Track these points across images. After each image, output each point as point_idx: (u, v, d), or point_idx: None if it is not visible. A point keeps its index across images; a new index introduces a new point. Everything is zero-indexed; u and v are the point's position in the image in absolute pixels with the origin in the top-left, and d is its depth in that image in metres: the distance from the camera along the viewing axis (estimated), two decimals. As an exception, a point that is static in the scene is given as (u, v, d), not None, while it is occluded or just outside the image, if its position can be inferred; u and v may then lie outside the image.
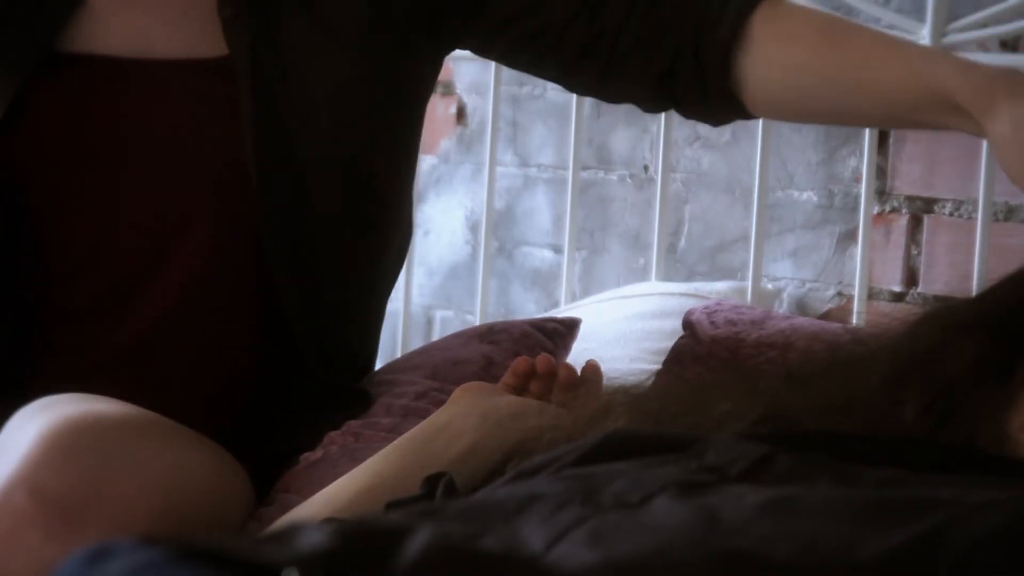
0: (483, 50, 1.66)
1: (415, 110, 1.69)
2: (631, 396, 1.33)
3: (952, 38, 1.89)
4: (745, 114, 1.52)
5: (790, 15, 1.46)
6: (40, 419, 1.40)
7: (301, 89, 1.59)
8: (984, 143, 1.85)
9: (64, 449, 1.36)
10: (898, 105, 1.39)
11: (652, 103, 1.57)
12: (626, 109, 2.44)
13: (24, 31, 1.58)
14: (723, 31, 1.46)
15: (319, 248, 1.62)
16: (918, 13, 1.95)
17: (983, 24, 1.88)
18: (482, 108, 2.50)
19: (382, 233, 1.69)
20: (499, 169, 2.35)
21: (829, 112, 1.48)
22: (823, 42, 1.42)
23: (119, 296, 1.61)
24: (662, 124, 2.14)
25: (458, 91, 2.60)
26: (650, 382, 1.37)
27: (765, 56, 1.44)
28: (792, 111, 1.50)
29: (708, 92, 1.50)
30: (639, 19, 1.52)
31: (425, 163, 2.66)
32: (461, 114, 2.63)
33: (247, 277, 1.61)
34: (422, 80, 1.68)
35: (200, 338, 1.62)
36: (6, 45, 1.58)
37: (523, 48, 1.60)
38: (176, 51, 1.60)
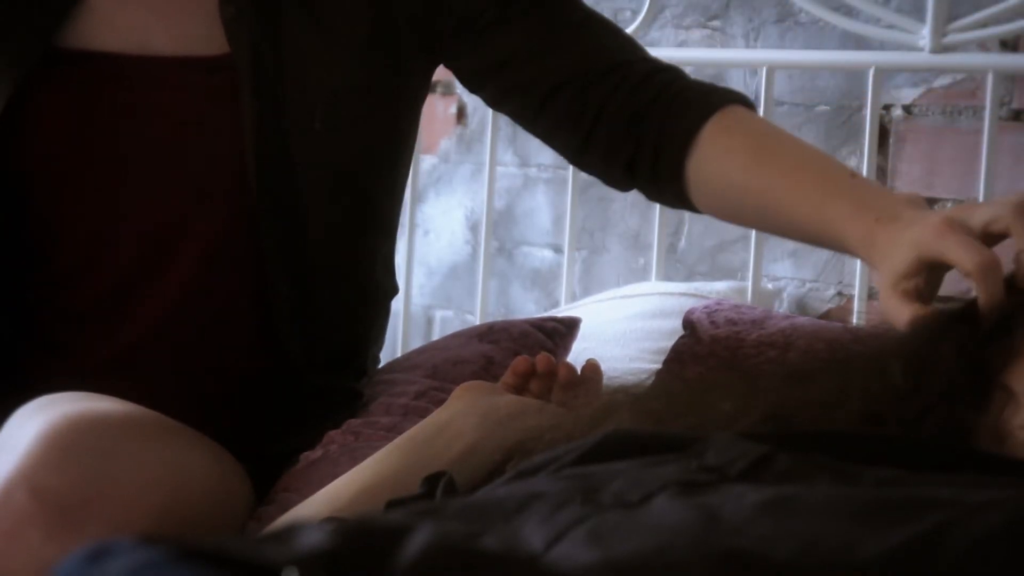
0: (475, 87, 1.66)
1: (409, 117, 1.69)
2: (631, 396, 1.33)
3: (952, 38, 1.89)
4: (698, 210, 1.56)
5: (734, 129, 1.49)
6: (40, 417, 1.40)
7: (300, 89, 1.59)
8: (984, 144, 1.85)
9: (64, 448, 1.36)
10: (807, 236, 1.43)
11: (618, 184, 1.60)
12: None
13: (24, 27, 1.58)
14: (679, 137, 1.50)
15: (311, 249, 1.62)
16: (918, 13, 1.95)
17: (983, 24, 1.88)
18: (482, 108, 2.50)
19: (372, 237, 1.69)
20: (499, 169, 2.35)
21: (758, 227, 1.55)
22: (751, 163, 1.46)
23: (120, 296, 1.61)
24: (662, 124, 2.14)
25: (458, 91, 2.60)
26: (650, 382, 1.37)
27: (706, 167, 1.49)
28: (729, 218, 1.55)
29: (662, 189, 1.54)
30: (618, 105, 1.54)
31: (425, 163, 2.66)
32: (461, 114, 2.63)
33: (246, 277, 1.61)
34: (417, 89, 1.68)
35: (199, 338, 1.62)
36: (6, 41, 1.58)
37: (510, 97, 1.61)
38: (177, 48, 1.60)
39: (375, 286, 1.73)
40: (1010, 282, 1.24)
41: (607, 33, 1.61)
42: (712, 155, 1.48)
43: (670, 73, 1.57)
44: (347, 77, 1.61)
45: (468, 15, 1.60)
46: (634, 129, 1.53)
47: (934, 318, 1.27)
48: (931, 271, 1.25)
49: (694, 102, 1.51)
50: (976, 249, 1.20)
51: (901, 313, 1.24)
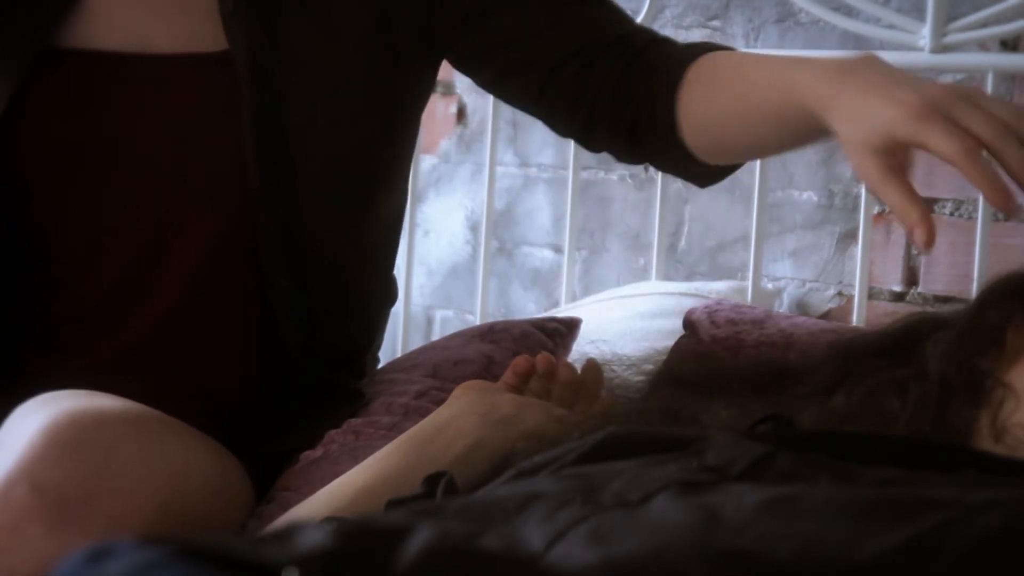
0: (474, 72, 1.65)
1: (409, 115, 1.69)
2: (631, 395, 1.33)
3: (952, 38, 1.89)
4: (699, 162, 1.54)
5: (711, 65, 1.50)
6: (41, 414, 1.40)
7: (300, 86, 1.59)
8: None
9: (65, 443, 1.36)
10: (779, 121, 1.40)
11: (628, 157, 1.60)
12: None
13: (22, 25, 1.58)
14: (665, 88, 1.50)
15: (309, 247, 1.62)
16: (918, 13, 1.95)
17: (983, 24, 1.88)
18: (482, 108, 2.50)
19: (371, 235, 1.69)
20: (499, 169, 2.35)
21: (744, 143, 1.50)
22: (728, 75, 1.47)
23: (121, 296, 1.61)
24: (662, 124, 2.14)
25: (458, 91, 2.60)
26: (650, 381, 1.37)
27: (692, 105, 1.49)
28: (723, 148, 1.52)
29: (666, 144, 1.53)
30: (616, 78, 1.55)
31: (425, 163, 2.66)
32: (461, 114, 2.63)
33: (246, 275, 1.61)
34: (417, 85, 1.68)
35: (200, 337, 1.62)
36: (5, 40, 1.58)
37: (512, 77, 1.61)
38: (175, 45, 1.60)
39: (375, 285, 1.73)
40: (1004, 285, 1.24)
41: (603, 7, 1.61)
42: (695, 91, 1.48)
43: (663, 43, 1.57)
44: (346, 72, 1.61)
45: (464, 5, 1.60)
46: (628, 95, 1.54)
47: (926, 319, 1.27)
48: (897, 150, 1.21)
49: (675, 56, 1.52)
50: (958, 136, 1.16)
51: (884, 184, 1.19)
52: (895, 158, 1.20)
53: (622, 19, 1.61)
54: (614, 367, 1.42)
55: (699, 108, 1.49)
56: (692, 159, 1.52)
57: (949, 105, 1.18)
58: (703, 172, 1.56)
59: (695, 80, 1.49)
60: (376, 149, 1.65)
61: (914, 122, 1.18)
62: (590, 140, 1.60)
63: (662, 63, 1.52)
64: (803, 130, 1.37)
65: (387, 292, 1.76)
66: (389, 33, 1.61)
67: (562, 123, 1.60)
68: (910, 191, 1.19)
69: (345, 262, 1.66)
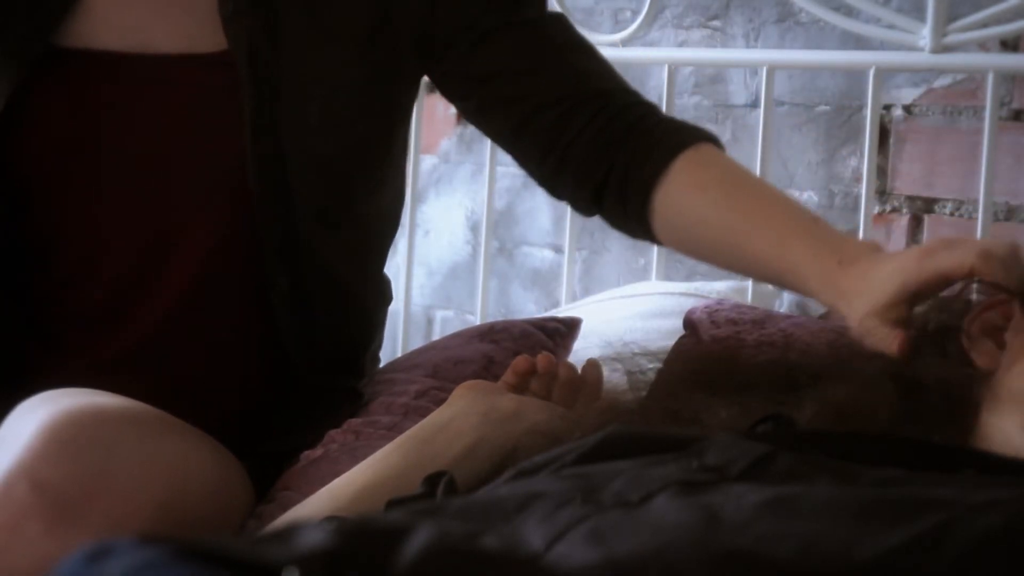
0: (458, 99, 1.67)
1: (400, 119, 1.69)
2: (631, 395, 1.33)
3: (952, 38, 1.89)
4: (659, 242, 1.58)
5: (704, 165, 1.52)
6: (41, 412, 1.40)
7: (297, 85, 1.59)
8: (984, 144, 1.85)
9: (65, 442, 1.36)
10: (767, 276, 1.47)
11: (584, 208, 1.62)
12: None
13: (23, 26, 1.58)
14: (649, 168, 1.52)
15: (303, 246, 1.62)
16: (918, 13, 1.95)
17: (983, 24, 1.88)
18: (482, 108, 2.50)
19: (359, 236, 1.69)
20: (499, 169, 2.35)
21: (717, 263, 1.55)
22: (719, 199, 1.49)
23: (122, 295, 1.61)
24: (662, 124, 2.14)
25: (458, 91, 2.60)
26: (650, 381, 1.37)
27: (674, 200, 1.51)
28: (690, 253, 1.58)
29: (628, 216, 1.55)
30: (595, 132, 1.56)
31: (425, 163, 2.66)
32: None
33: (246, 274, 1.62)
34: (409, 92, 1.69)
35: (201, 337, 1.62)
36: (5, 40, 1.58)
37: (493, 110, 1.62)
38: (176, 46, 1.60)
39: (368, 286, 1.73)
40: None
41: (593, 60, 1.63)
42: (681, 189, 1.51)
43: (647, 107, 1.60)
44: (343, 74, 1.61)
45: (462, 24, 1.61)
46: (606, 155, 1.55)
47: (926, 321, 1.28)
48: (908, 302, 1.28)
49: (667, 135, 1.54)
50: (965, 249, 1.23)
51: (893, 340, 1.26)
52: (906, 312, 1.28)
53: (610, 75, 1.62)
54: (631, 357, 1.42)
55: (681, 215, 1.51)
56: (652, 237, 1.55)
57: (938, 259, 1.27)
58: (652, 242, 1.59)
59: (682, 181, 1.51)
60: (365, 151, 1.65)
61: (921, 262, 1.27)
62: (555, 186, 1.61)
63: (644, 140, 1.54)
64: (785, 285, 1.45)
65: (380, 292, 1.76)
66: (387, 37, 1.62)
67: (533, 164, 1.62)
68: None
69: (335, 262, 1.66)
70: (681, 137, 1.54)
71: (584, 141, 1.56)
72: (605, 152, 1.55)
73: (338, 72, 1.61)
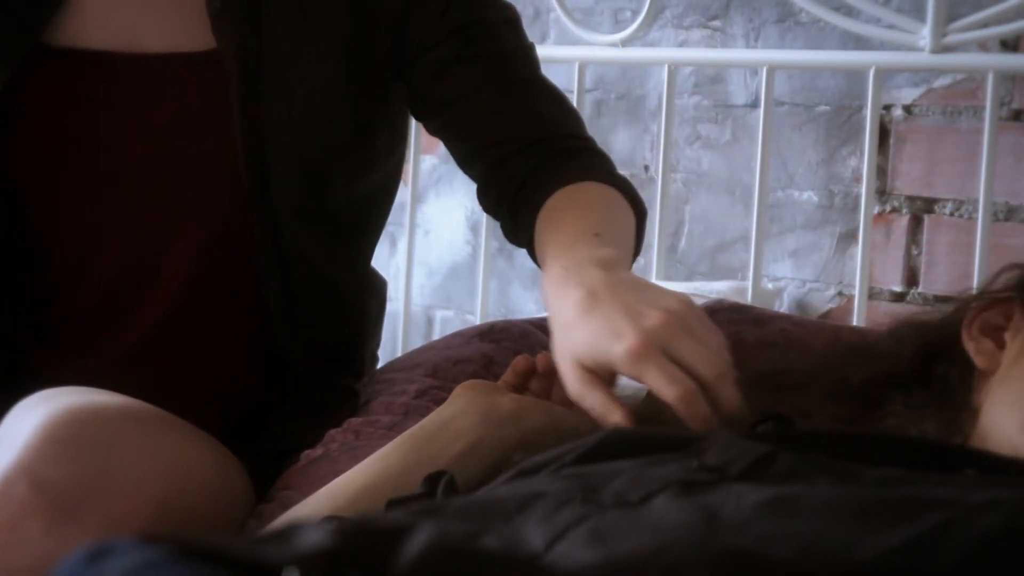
0: (419, 117, 1.70)
1: (381, 121, 1.69)
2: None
3: (952, 38, 1.89)
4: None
5: (564, 195, 1.53)
6: (40, 410, 1.40)
7: (281, 83, 1.59)
8: (984, 144, 1.85)
9: (64, 440, 1.36)
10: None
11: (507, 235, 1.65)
12: (627, 108, 2.44)
13: (12, 25, 1.58)
14: (536, 200, 1.55)
15: (290, 245, 1.62)
16: (918, 13, 1.95)
17: (983, 24, 1.88)
18: (482, 108, 2.50)
19: (342, 235, 1.69)
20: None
21: None
22: (544, 219, 1.52)
23: (120, 295, 1.61)
24: (662, 124, 2.14)
25: (458, 91, 2.59)
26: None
27: (539, 224, 1.53)
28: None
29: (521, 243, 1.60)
30: (519, 182, 1.59)
31: (425, 163, 2.66)
32: (461, 114, 2.63)
33: (241, 273, 1.62)
34: (389, 97, 1.69)
35: (199, 336, 1.62)
36: None
37: (447, 136, 1.66)
38: (164, 45, 1.60)
39: (356, 283, 1.73)
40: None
41: (548, 104, 1.65)
42: (541, 216, 1.53)
43: (585, 153, 1.62)
44: (325, 74, 1.61)
45: (428, 42, 1.62)
46: (520, 200, 1.58)
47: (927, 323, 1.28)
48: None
49: (566, 173, 1.56)
50: (677, 381, 1.19)
51: (583, 392, 1.23)
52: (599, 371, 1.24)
53: (561, 119, 1.64)
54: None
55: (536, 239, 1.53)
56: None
57: (669, 340, 1.20)
58: None
59: (545, 211, 1.53)
60: (340, 152, 1.65)
61: (633, 363, 1.20)
62: (496, 217, 1.65)
63: (547, 184, 1.55)
64: None
65: (370, 287, 1.76)
66: (366, 42, 1.62)
67: (478, 191, 1.65)
68: (609, 398, 1.23)
69: (319, 258, 1.65)
70: (576, 173, 1.56)
71: (511, 190, 1.59)
72: (521, 201, 1.58)
73: (320, 70, 1.61)
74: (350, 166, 1.66)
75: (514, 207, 1.59)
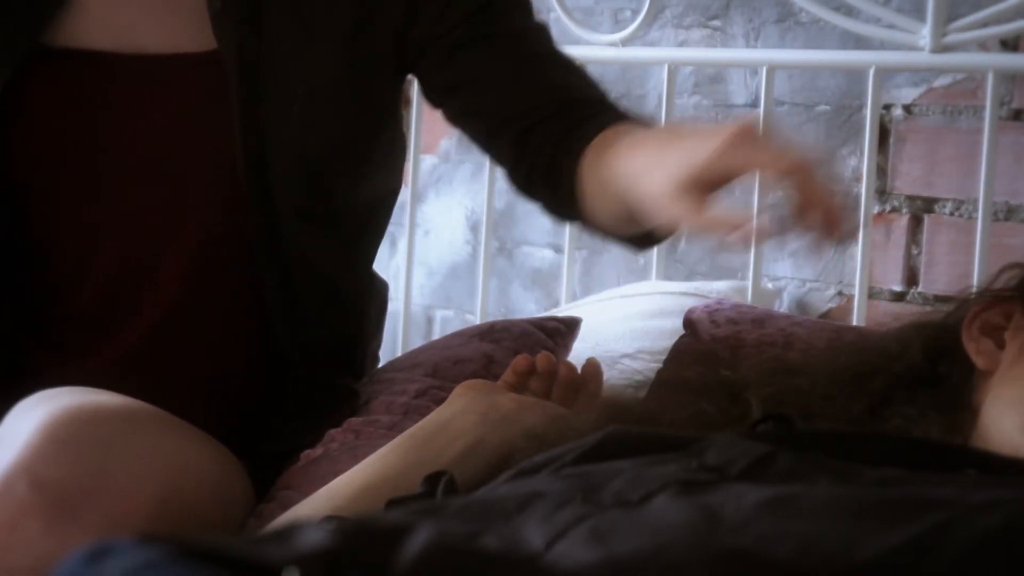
0: (435, 104, 1.68)
1: (382, 120, 1.69)
2: (631, 395, 1.34)
3: (952, 38, 1.89)
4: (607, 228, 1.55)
5: (608, 135, 1.50)
6: (40, 410, 1.40)
7: (281, 83, 1.59)
8: (984, 144, 1.85)
9: (64, 439, 1.36)
10: (619, 193, 1.40)
11: (564, 212, 1.60)
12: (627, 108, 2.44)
13: (12, 25, 1.58)
14: (574, 153, 1.52)
15: (289, 245, 1.62)
16: (918, 13, 1.95)
17: (983, 24, 1.88)
18: (482, 107, 2.50)
19: (343, 235, 1.68)
20: (499, 169, 2.34)
21: (615, 211, 1.49)
22: (604, 149, 1.46)
23: (118, 296, 1.61)
24: (662, 124, 2.14)
25: (458, 90, 2.59)
26: (650, 381, 1.37)
27: (583, 171, 1.50)
28: (602, 213, 1.52)
29: (577, 212, 1.54)
30: (552, 147, 1.56)
31: (425, 163, 2.66)
32: (461, 113, 2.63)
33: (239, 273, 1.62)
34: (391, 92, 1.69)
35: (198, 336, 1.62)
36: None
37: (467, 119, 1.64)
38: (164, 45, 1.60)
39: (357, 283, 1.72)
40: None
41: (571, 72, 1.63)
42: (586, 156, 1.50)
43: (612, 110, 1.59)
44: (325, 73, 1.61)
45: (439, 32, 1.61)
46: (557, 164, 1.55)
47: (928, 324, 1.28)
48: (700, 187, 1.22)
49: (595, 121, 1.53)
50: (780, 154, 1.18)
51: (689, 214, 1.20)
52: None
53: (579, 84, 1.62)
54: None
55: (585, 179, 1.50)
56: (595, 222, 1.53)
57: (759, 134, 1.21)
58: (624, 239, 1.56)
59: (588, 152, 1.50)
60: (345, 149, 1.65)
61: (739, 143, 1.20)
62: (531, 196, 1.62)
63: (581, 137, 1.53)
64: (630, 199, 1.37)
65: (370, 289, 1.76)
66: (368, 37, 1.62)
67: (508, 173, 1.62)
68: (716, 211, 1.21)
69: (319, 259, 1.65)
70: (607, 119, 1.53)
71: (546, 156, 1.56)
72: (558, 164, 1.55)
73: (320, 70, 1.61)
74: (350, 166, 1.66)
75: (552, 165, 1.55)
